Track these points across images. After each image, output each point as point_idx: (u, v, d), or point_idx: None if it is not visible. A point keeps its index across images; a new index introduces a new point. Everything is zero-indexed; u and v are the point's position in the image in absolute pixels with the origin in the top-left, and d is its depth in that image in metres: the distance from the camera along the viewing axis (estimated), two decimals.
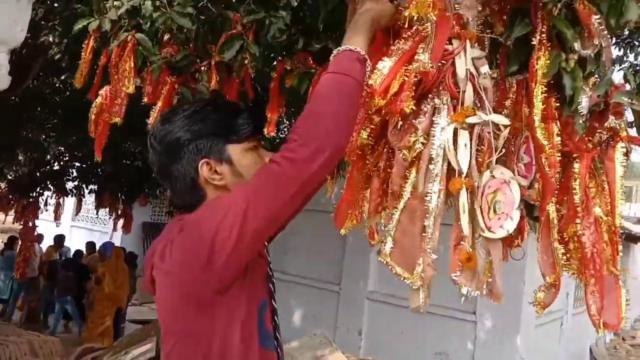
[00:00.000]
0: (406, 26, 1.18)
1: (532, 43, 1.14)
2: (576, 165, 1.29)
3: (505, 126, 1.09)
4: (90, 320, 8.29)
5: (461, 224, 1.06)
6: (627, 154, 1.36)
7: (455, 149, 1.05)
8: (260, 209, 1.03)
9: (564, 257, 1.36)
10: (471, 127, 1.08)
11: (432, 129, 1.11)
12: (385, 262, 1.16)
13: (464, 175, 1.06)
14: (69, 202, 10.52)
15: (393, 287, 7.05)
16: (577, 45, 1.15)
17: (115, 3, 2.42)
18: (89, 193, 9.05)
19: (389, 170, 1.27)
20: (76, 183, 8.86)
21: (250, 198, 1.04)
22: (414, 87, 1.13)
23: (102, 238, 12.85)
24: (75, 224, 14.39)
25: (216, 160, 1.18)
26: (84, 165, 8.52)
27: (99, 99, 2.70)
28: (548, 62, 1.12)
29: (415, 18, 1.14)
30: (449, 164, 1.07)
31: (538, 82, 1.11)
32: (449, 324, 6.99)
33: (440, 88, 1.12)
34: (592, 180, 1.35)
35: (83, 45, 2.44)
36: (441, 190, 1.08)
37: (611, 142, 1.32)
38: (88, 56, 2.42)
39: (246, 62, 2.32)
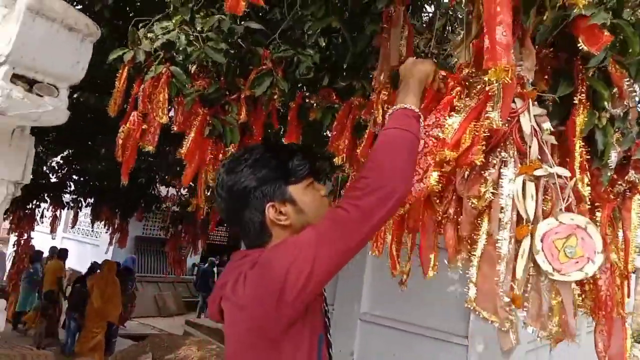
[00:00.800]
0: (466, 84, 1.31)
1: (574, 102, 1.28)
2: (598, 214, 1.43)
3: (569, 178, 1.22)
4: (82, 334, 8.25)
5: (517, 267, 1.17)
6: None
7: (524, 199, 1.18)
8: (328, 254, 1.14)
9: (580, 298, 1.49)
10: (537, 178, 1.21)
11: (500, 180, 1.23)
12: (472, 308, 1.26)
13: (530, 223, 1.18)
14: (62, 214, 10.52)
15: (385, 309, 7.15)
16: (608, 105, 1.30)
17: (149, 35, 2.55)
18: (86, 206, 9.05)
19: (457, 217, 1.39)
20: (74, 196, 8.86)
21: (319, 243, 1.15)
22: (483, 142, 1.26)
23: (94, 251, 12.80)
24: (66, 235, 14.31)
25: (280, 202, 1.29)
26: (82, 179, 8.54)
27: (127, 125, 2.81)
28: (586, 119, 1.27)
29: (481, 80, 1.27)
30: (518, 212, 1.20)
31: (577, 136, 1.25)
32: (441, 347, 7.06)
33: (507, 143, 1.26)
34: (610, 227, 1.49)
35: (117, 75, 2.55)
36: (511, 237, 1.20)
37: (629, 194, 1.46)
38: (122, 85, 2.52)
39: (275, 97, 2.45)
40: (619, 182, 1.43)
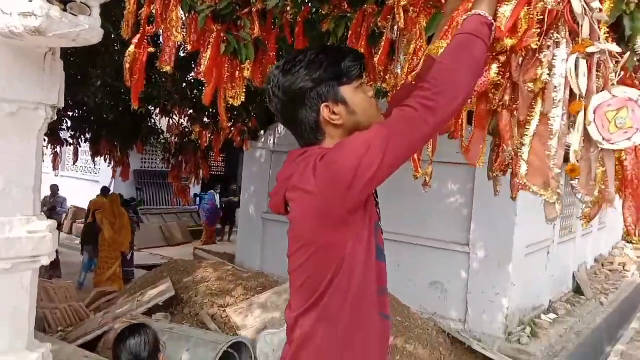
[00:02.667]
0: None
1: None
2: None
3: (620, 54, 1.28)
4: (98, 267, 8.52)
5: (572, 139, 1.27)
6: None
7: (577, 76, 1.25)
8: (398, 148, 1.23)
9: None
10: (589, 56, 1.27)
11: (554, 60, 1.30)
12: (522, 184, 1.36)
13: (583, 99, 1.26)
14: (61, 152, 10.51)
15: (388, 225, 7.40)
16: None
17: None
18: (85, 142, 9.05)
19: (512, 104, 1.46)
20: (72, 132, 8.84)
21: (390, 138, 1.23)
22: (538, 25, 1.32)
23: (93, 187, 12.91)
24: (64, 173, 14.37)
25: (333, 102, 1.35)
26: (78, 114, 8.48)
27: (131, 48, 2.79)
28: (612, 5, 1.31)
29: None
30: (571, 90, 1.28)
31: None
32: (443, 255, 7.39)
33: (559, 24, 1.31)
34: None
35: None
36: (564, 114, 1.28)
37: None
38: (133, 7, 2.49)
39: (288, 8, 2.44)
40: None
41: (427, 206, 7.45)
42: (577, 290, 9.19)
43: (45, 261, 1.85)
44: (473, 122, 1.65)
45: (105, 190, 9.34)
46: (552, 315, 7.77)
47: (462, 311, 7.18)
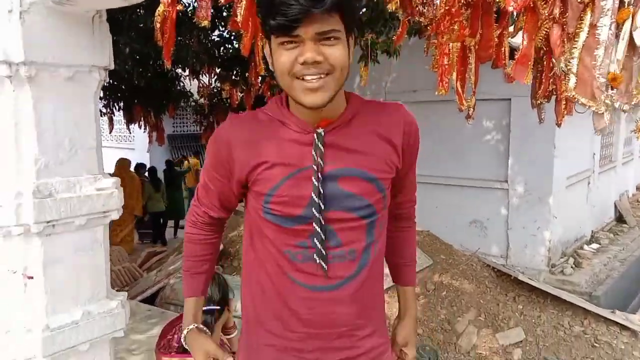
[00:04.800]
0: None
1: None
2: None
3: None
4: (112, 229, 8.79)
5: (618, 48, 1.28)
6: None
7: None
8: None
9: None
10: None
11: None
12: (571, 96, 1.38)
13: (632, 6, 1.27)
14: None
15: (424, 168, 7.40)
16: None
17: None
18: (119, 110, 9.22)
19: (561, 17, 1.47)
20: (105, 102, 9.00)
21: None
22: None
23: (129, 155, 13.21)
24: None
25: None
26: (109, 83, 8.59)
27: (161, 7, 2.82)
28: None
29: None
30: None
31: None
32: (482, 194, 7.41)
33: None
34: None
35: None
36: (612, 23, 1.29)
37: None
38: None
39: None
40: None
41: (462, 145, 7.43)
42: (620, 219, 9.12)
43: (115, 215, 1.97)
44: (522, 38, 1.65)
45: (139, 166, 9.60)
46: (595, 245, 7.77)
47: (504, 247, 7.24)
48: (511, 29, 2.29)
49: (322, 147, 1.20)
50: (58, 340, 1.81)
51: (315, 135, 1.21)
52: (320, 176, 1.19)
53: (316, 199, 1.19)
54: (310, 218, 1.21)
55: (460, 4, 1.91)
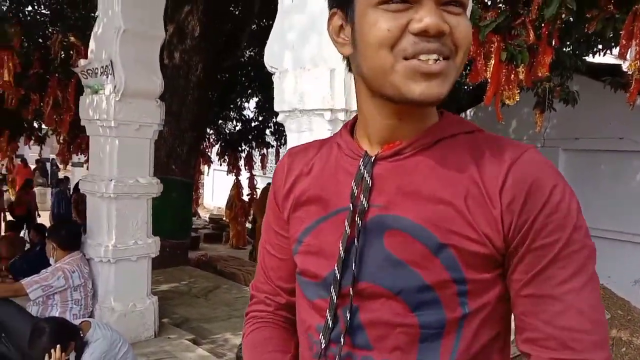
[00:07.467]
0: None
1: None
2: None
3: None
4: None
5: None
6: None
7: None
8: None
9: None
10: None
11: None
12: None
13: None
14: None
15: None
16: None
17: None
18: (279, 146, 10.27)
19: None
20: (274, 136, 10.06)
21: None
22: None
23: None
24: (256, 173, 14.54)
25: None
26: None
27: None
28: None
29: None
30: None
31: None
32: None
33: None
34: None
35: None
36: None
37: None
38: None
39: (563, 15, 2.66)
40: None
41: (624, 196, 6.62)
42: None
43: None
44: None
45: None
46: None
47: None
48: None
49: (368, 179, 0.76)
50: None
51: (361, 161, 0.79)
52: (359, 221, 0.75)
53: (342, 255, 0.76)
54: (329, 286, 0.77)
55: None
